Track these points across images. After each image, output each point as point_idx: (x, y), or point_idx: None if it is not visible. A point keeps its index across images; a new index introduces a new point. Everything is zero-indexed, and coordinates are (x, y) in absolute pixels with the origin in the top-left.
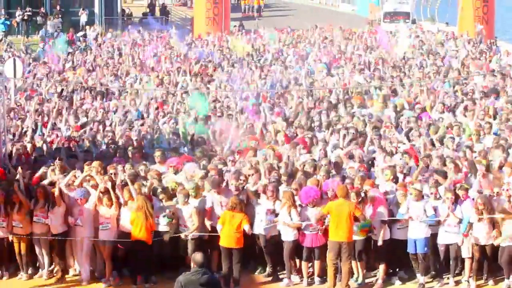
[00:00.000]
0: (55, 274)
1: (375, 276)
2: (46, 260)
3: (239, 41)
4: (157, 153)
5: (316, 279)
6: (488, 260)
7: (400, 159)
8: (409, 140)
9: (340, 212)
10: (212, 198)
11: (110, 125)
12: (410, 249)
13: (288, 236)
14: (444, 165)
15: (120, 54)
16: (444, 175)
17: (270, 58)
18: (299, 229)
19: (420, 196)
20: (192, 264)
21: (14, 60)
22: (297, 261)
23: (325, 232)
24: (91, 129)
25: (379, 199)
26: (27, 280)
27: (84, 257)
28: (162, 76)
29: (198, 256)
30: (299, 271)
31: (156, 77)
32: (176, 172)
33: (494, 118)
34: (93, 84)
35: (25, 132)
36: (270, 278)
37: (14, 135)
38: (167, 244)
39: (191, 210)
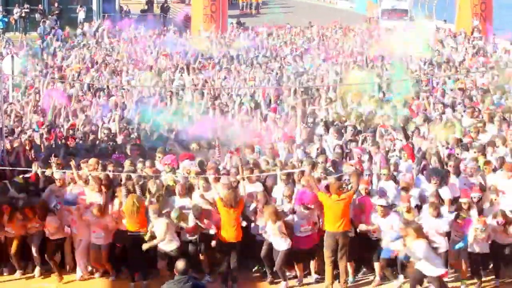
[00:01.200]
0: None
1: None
2: (37, 258)
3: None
4: (158, 153)
5: (313, 276)
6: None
7: (397, 155)
8: (407, 138)
9: (335, 207)
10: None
11: (108, 122)
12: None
13: (281, 246)
14: (441, 163)
15: (118, 52)
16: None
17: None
18: (290, 235)
19: (386, 212)
20: (175, 272)
21: (12, 57)
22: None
23: (319, 231)
24: (84, 125)
25: (368, 206)
26: (25, 277)
27: (80, 254)
28: (159, 73)
29: (180, 264)
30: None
31: (155, 74)
32: (172, 170)
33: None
34: (90, 82)
35: (23, 129)
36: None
37: (13, 131)
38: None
39: (163, 225)
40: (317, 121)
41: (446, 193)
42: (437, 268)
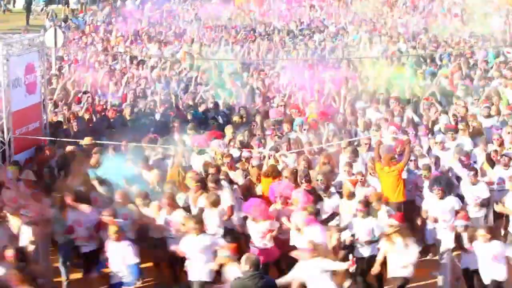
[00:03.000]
0: None
1: None
2: None
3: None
4: (189, 128)
5: None
6: None
7: (441, 131)
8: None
9: (387, 178)
10: None
11: (152, 94)
12: None
13: None
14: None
15: (161, 24)
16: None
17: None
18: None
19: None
20: (245, 267)
21: (55, 29)
22: None
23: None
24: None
25: None
26: None
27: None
28: (201, 46)
29: (253, 257)
30: None
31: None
32: (201, 152)
33: None
34: (133, 54)
35: (67, 102)
36: None
37: (56, 105)
38: None
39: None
40: (359, 93)
41: (448, 204)
42: None
